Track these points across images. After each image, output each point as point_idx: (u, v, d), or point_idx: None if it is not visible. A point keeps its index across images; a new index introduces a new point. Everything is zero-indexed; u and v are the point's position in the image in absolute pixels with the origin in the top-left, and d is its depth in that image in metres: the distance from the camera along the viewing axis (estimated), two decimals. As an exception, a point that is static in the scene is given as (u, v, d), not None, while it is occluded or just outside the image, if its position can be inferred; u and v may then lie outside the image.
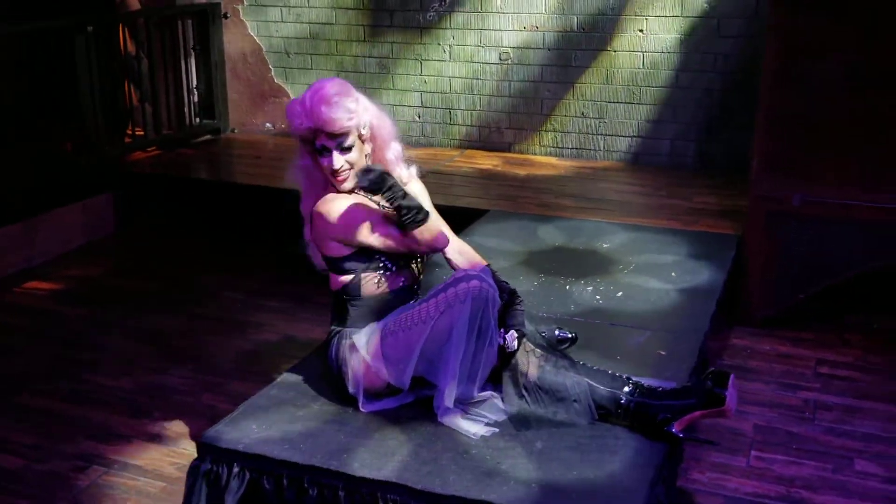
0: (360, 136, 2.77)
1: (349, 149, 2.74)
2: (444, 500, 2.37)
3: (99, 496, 3.12)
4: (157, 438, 3.47)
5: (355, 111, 2.73)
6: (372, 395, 2.76)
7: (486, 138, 6.17)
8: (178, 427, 3.54)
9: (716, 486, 3.11)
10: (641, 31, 5.66)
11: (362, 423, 2.72)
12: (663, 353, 3.17)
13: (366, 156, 2.81)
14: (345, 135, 2.72)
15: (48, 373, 4.01)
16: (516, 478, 2.42)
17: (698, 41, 5.56)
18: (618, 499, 2.33)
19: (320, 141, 2.73)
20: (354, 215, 2.73)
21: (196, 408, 3.69)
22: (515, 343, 2.62)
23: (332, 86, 2.73)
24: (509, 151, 6.14)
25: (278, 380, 3.02)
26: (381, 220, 2.74)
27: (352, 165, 2.76)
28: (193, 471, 2.65)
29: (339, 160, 2.74)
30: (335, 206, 2.75)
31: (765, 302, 4.29)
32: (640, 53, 5.69)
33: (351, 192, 2.81)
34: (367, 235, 2.73)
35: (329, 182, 2.82)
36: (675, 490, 2.78)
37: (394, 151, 2.90)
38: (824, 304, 4.41)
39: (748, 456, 3.29)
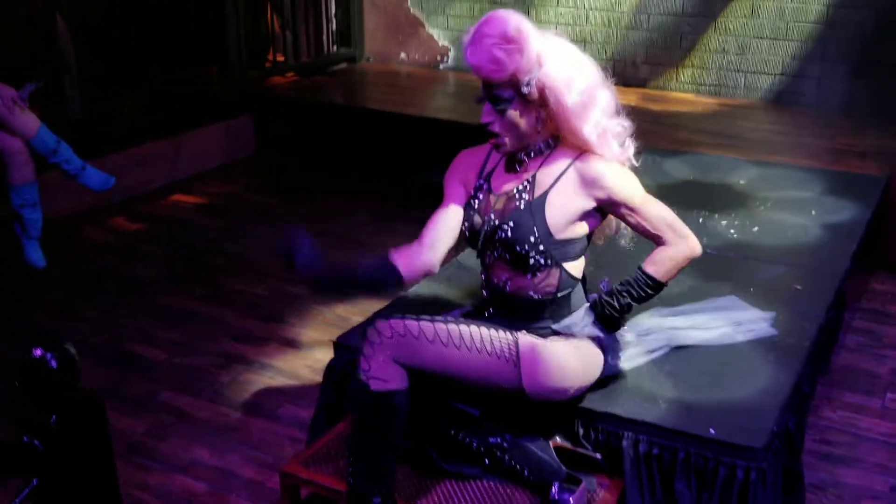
0: (522, 95, 2.20)
1: (503, 109, 2.22)
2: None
3: (239, 391, 3.30)
4: (292, 343, 3.63)
5: (505, 61, 2.15)
6: None
7: (621, 72, 6.04)
8: (312, 333, 3.69)
9: (847, 425, 3.05)
10: (793, -37, 5.42)
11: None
12: (799, 287, 3.10)
13: (538, 121, 2.25)
14: (496, 87, 2.21)
15: (187, 277, 4.24)
16: (645, 394, 2.43)
17: (854, -25, 5.29)
18: (749, 420, 2.32)
19: (481, 85, 2.26)
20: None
21: (328, 317, 3.84)
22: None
23: (494, 23, 2.17)
24: (645, 87, 6.02)
25: (410, 290, 3.11)
26: None
27: (509, 130, 2.25)
28: (330, 370, 2.77)
29: (487, 114, 2.25)
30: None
31: (910, 247, 4.11)
32: (790, -13, 5.46)
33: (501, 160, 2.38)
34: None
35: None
36: (805, 424, 2.73)
37: (595, 127, 2.25)
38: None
39: (883, 398, 3.20)
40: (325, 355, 3.45)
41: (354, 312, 3.83)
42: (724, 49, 5.75)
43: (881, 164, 4.43)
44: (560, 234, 2.29)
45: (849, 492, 2.75)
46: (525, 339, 2.27)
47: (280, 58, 6.55)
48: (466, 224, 2.42)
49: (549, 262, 2.29)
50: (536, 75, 2.19)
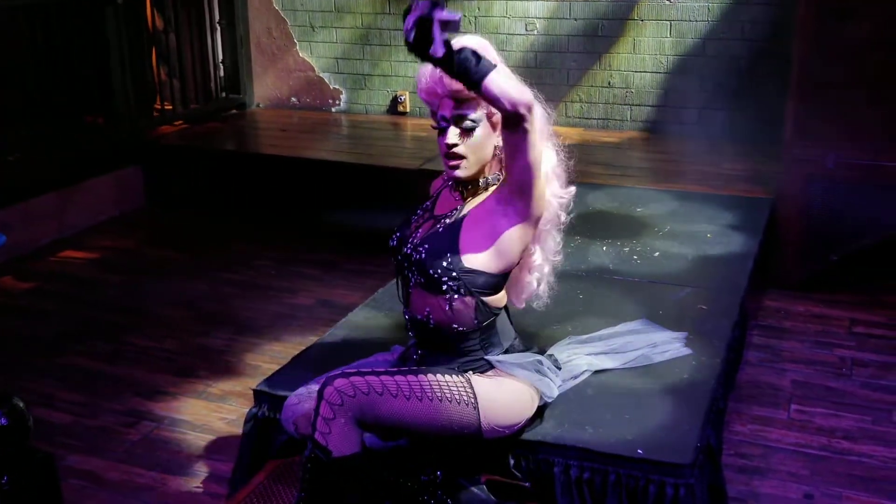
0: (489, 118, 2.22)
1: (471, 130, 2.20)
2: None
3: (151, 449, 3.18)
4: (203, 395, 3.53)
5: None
6: None
7: (511, 109, 6.17)
8: (223, 385, 3.60)
9: (758, 437, 3.15)
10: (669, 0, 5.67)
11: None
12: (705, 307, 3.21)
13: (495, 148, 2.26)
14: (468, 104, 2.19)
15: (88, 335, 4.07)
16: (573, 419, 2.46)
17: (726, 9, 5.56)
18: (674, 438, 2.38)
19: (442, 111, 2.23)
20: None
21: (239, 367, 3.75)
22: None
23: (473, 42, 2.14)
24: (535, 122, 6.15)
25: (326, 335, 3.08)
26: None
27: (474, 152, 2.23)
28: (251, 417, 2.70)
29: (454, 135, 2.20)
30: None
31: (798, 264, 4.31)
32: (668, 22, 5.70)
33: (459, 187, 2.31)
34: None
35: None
36: (722, 436, 2.82)
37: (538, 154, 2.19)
38: (858, 268, 4.43)
39: (788, 409, 3.33)
40: (239, 406, 3.39)
41: (265, 360, 3.76)
42: (609, 83, 5.95)
43: (765, 186, 4.64)
44: (471, 263, 2.24)
45: (766, 502, 2.84)
46: (476, 379, 2.27)
47: (168, 106, 6.42)
48: (395, 236, 2.39)
49: (462, 290, 2.25)
50: None
